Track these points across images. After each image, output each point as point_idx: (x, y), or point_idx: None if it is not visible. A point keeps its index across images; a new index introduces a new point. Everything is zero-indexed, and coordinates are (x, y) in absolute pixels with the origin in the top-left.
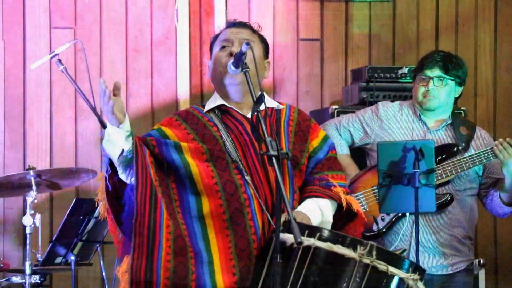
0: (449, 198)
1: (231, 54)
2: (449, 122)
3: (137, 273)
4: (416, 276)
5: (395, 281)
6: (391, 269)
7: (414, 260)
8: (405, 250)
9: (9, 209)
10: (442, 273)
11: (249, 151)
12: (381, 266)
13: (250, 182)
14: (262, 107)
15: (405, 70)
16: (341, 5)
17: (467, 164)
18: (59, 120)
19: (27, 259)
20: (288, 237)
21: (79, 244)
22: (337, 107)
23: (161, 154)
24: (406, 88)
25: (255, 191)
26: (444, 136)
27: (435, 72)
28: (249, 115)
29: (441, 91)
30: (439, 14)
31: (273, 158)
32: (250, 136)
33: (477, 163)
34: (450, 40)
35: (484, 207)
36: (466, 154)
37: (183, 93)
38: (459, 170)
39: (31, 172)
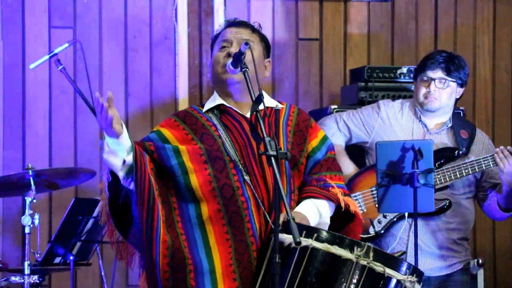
0: (447, 204)
1: (229, 55)
2: (450, 125)
3: None
4: (414, 278)
5: (392, 283)
6: (388, 271)
7: (412, 262)
8: (404, 252)
9: (8, 209)
10: (439, 274)
11: (247, 151)
12: (378, 267)
13: (248, 182)
14: (261, 106)
15: (404, 70)
16: (340, 5)
17: (466, 170)
18: (58, 120)
19: (26, 259)
20: (286, 238)
21: (78, 244)
22: (336, 107)
23: (160, 159)
24: (405, 88)
25: (253, 191)
26: (444, 139)
27: (437, 74)
28: (248, 115)
29: (442, 93)
30: (438, 14)
31: (272, 158)
32: (249, 136)
33: (477, 170)
34: (449, 40)
35: (481, 209)
36: (467, 160)
37: (182, 93)
38: (459, 176)
39: (30, 172)
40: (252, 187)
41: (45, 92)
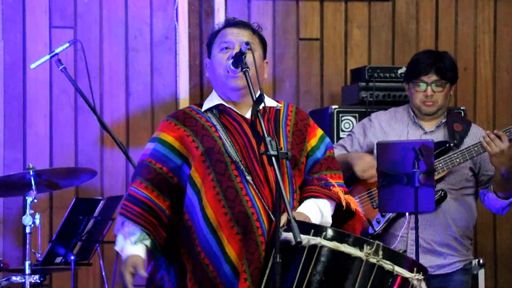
0: (442, 194)
1: (232, 58)
2: (444, 121)
3: None
4: (420, 276)
5: (400, 281)
6: (397, 269)
7: None
8: (405, 251)
9: (9, 208)
10: (439, 273)
11: (247, 151)
12: (387, 265)
13: (251, 182)
14: (260, 107)
15: (405, 70)
16: (340, 5)
17: (457, 159)
18: (59, 120)
19: (27, 258)
20: (293, 237)
21: (79, 244)
22: (336, 107)
23: (178, 179)
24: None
25: (257, 191)
26: (440, 136)
27: (432, 77)
28: (247, 115)
29: (439, 96)
30: (439, 13)
31: (273, 158)
32: (249, 136)
33: (468, 158)
34: (450, 40)
35: (483, 204)
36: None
37: (183, 93)
38: (450, 166)
39: (31, 171)
40: (255, 187)
41: (46, 92)
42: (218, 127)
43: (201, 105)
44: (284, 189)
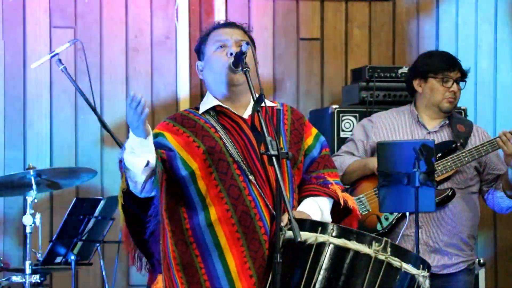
0: (450, 193)
1: (231, 54)
2: (447, 122)
3: None
4: (426, 273)
5: (407, 277)
6: (405, 266)
7: None
8: None
9: (9, 208)
10: (444, 272)
11: (248, 151)
12: (395, 262)
13: (254, 181)
14: (260, 106)
15: (405, 69)
16: (341, 5)
17: (466, 159)
18: (59, 120)
19: (27, 258)
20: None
21: (79, 243)
22: (337, 106)
23: (172, 169)
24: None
25: (259, 190)
26: (444, 136)
27: (457, 74)
28: (244, 115)
29: (458, 93)
30: (439, 13)
31: (273, 158)
32: (249, 136)
33: (476, 157)
34: (450, 40)
35: (486, 203)
36: (465, 149)
37: (183, 93)
38: (459, 165)
39: (31, 171)
40: (257, 186)
41: (46, 91)
42: (218, 127)
43: (197, 108)
44: (284, 189)
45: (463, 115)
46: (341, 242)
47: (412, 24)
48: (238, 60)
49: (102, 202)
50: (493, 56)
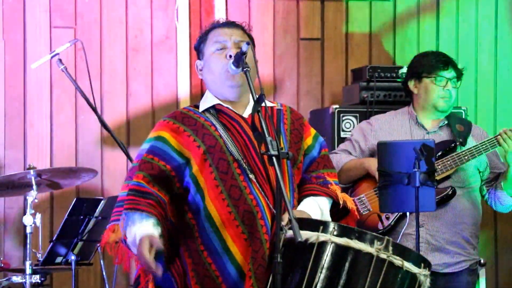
0: (450, 192)
1: (230, 56)
2: (446, 122)
3: None
4: (427, 272)
5: (409, 276)
6: (406, 264)
7: None
8: None
9: (10, 208)
10: (446, 271)
11: (248, 150)
12: (397, 261)
13: (254, 180)
14: (260, 106)
15: (405, 69)
16: (341, 5)
17: (466, 157)
18: (60, 120)
19: (28, 258)
20: (302, 234)
21: (80, 243)
22: (337, 106)
23: (179, 178)
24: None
25: (260, 189)
26: (443, 137)
27: (451, 73)
28: (244, 114)
29: (454, 92)
30: (439, 13)
31: (274, 158)
32: (249, 135)
33: (476, 155)
34: (451, 39)
35: (486, 202)
36: (465, 148)
37: (184, 93)
38: (459, 164)
39: (32, 171)
40: (258, 185)
41: (47, 91)
42: (218, 126)
43: (197, 107)
44: (285, 188)
45: (463, 115)
46: (343, 241)
47: (413, 23)
48: (238, 60)
49: (102, 202)
50: (494, 54)
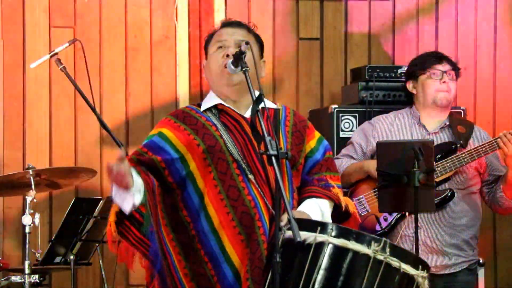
0: (449, 194)
1: (227, 55)
2: (447, 123)
3: None
4: (425, 274)
5: (406, 278)
6: (403, 266)
7: None
8: None
9: (9, 208)
10: (444, 272)
11: (248, 150)
12: (394, 262)
13: (253, 180)
14: (260, 106)
15: (405, 69)
16: (340, 5)
17: (465, 159)
18: (59, 119)
19: (27, 258)
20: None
21: (79, 243)
22: (336, 106)
23: (171, 174)
24: (405, 87)
25: (259, 190)
26: (444, 138)
27: (446, 67)
28: (246, 115)
29: (452, 85)
30: (439, 13)
31: (273, 158)
32: (249, 135)
33: (475, 157)
34: (450, 40)
35: (486, 204)
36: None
37: (183, 92)
38: (458, 166)
39: (31, 171)
40: (257, 185)
41: (46, 91)
42: (219, 126)
43: (199, 106)
44: (284, 189)
45: (463, 115)
46: (340, 242)
47: (412, 23)
48: (238, 59)
49: (101, 202)
50: (493, 56)
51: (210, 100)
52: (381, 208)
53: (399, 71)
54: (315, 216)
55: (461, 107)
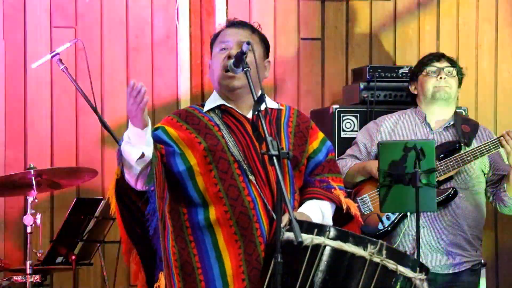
0: (452, 192)
1: (229, 57)
2: (452, 122)
3: None
4: (423, 276)
5: (403, 280)
6: (400, 268)
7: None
8: (405, 252)
9: (10, 208)
10: (447, 272)
11: (250, 151)
12: (391, 265)
13: (254, 181)
14: (262, 106)
15: (406, 69)
16: (341, 5)
17: (468, 158)
18: (60, 120)
19: (28, 258)
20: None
21: (80, 243)
22: (337, 106)
23: (169, 165)
24: (407, 87)
25: (259, 191)
26: (448, 137)
27: (444, 63)
28: (248, 115)
29: (451, 81)
30: (440, 13)
31: (274, 158)
32: (251, 136)
33: (479, 156)
34: (451, 40)
35: (491, 203)
36: (468, 149)
37: (184, 93)
38: (461, 164)
39: (32, 171)
40: (257, 186)
41: (47, 91)
42: (221, 126)
43: (203, 106)
44: (285, 189)
45: (464, 115)
46: (337, 244)
47: (413, 23)
48: (239, 60)
49: (102, 202)
50: (494, 56)
51: (214, 101)
52: (382, 208)
53: (400, 71)
54: (316, 218)
55: (463, 107)
